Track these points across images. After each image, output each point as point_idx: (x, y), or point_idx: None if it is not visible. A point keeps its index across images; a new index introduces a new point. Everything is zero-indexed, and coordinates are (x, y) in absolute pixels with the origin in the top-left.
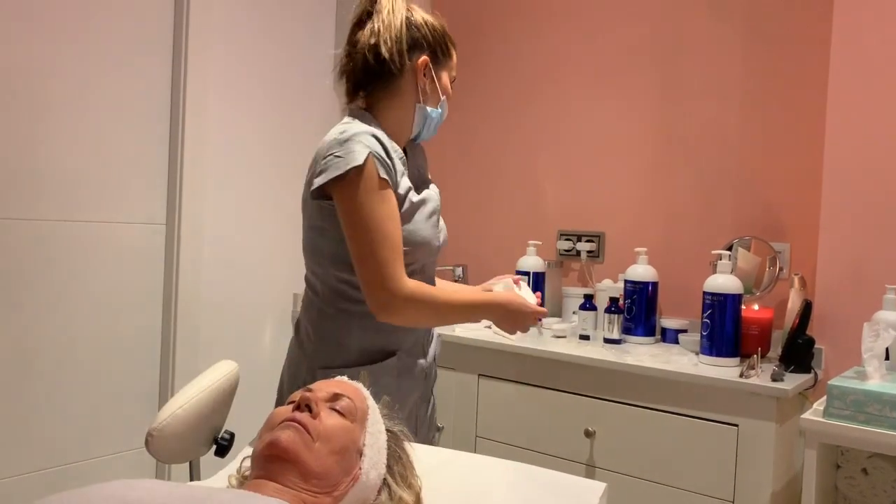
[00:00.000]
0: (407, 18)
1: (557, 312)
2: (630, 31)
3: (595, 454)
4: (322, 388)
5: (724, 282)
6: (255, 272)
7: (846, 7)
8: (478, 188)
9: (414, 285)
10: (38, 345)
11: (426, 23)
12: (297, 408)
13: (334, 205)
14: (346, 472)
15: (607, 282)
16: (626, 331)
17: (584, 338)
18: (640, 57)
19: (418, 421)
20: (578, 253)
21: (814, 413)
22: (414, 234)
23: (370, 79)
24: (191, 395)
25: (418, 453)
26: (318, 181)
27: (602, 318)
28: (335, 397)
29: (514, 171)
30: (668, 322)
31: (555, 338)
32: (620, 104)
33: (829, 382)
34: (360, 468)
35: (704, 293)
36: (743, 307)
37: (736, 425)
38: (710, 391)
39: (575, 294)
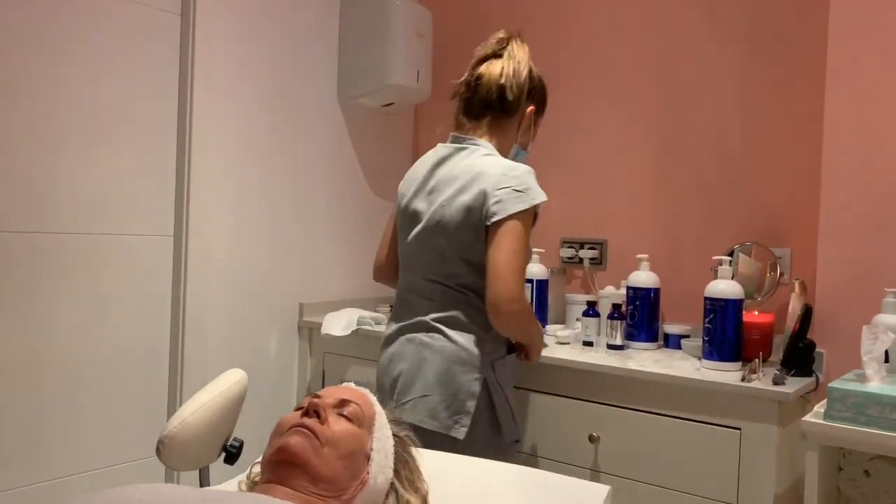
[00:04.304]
0: (529, 70)
1: (561, 319)
2: (631, 40)
3: (599, 459)
4: (330, 394)
5: (725, 287)
6: (262, 282)
7: (843, 13)
8: None
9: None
10: (49, 354)
11: (539, 78)
12: (306, 413)
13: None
14: (354, 476)
15: (610, 288)
16: (629, 337)
17: (588, 344)
18: (641, 66)
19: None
20: (581, 260)
21: (815, 415)
22: None
23: (485, 112)
24: (201, 403)
25: (424, 458)
26: (509, 210)
27: (605, 325)
28: (343, 403)
29: None
30: (671, 328)
31: (559, 344)
32: (621, 112)
33: (829, 385)
34: (368, 472)
35: (706, 298)
36: (744, 312)
37: (738, 429)
38: (712, 395)
39: (578, 301)
